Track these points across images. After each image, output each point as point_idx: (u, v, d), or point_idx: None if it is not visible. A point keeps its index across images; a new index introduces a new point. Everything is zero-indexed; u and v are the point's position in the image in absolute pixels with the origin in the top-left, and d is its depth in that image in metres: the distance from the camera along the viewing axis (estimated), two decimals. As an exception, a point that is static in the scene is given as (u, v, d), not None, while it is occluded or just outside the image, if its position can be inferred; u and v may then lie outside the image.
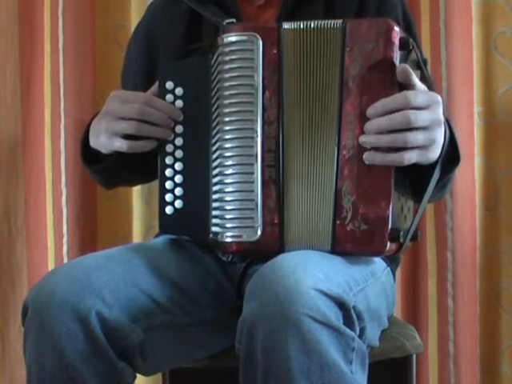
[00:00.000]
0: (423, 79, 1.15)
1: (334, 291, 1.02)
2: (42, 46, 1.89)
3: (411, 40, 1.12)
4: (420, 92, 1.09)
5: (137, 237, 1.91)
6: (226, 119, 1.16)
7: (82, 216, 1.92)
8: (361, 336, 1.07)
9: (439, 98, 1.10)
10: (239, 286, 1.25)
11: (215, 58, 1.18)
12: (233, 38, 1.16)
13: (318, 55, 1.14)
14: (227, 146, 1.16)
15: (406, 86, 1.09)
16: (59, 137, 1.90)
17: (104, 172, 1.34)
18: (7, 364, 1.92)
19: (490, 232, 1.86)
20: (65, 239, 1.91)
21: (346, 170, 1.12)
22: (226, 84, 1.16)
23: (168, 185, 1.22)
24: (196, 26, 1.37)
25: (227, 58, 1.16)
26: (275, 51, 1.15)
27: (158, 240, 1.34)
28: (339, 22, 1.13)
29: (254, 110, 1.15)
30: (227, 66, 1.16)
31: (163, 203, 1.22)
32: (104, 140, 1.23)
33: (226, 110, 1.16)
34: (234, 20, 1.22)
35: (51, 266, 1.89)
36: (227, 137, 1.16)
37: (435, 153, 1.11)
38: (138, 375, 1.18)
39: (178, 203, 1.22)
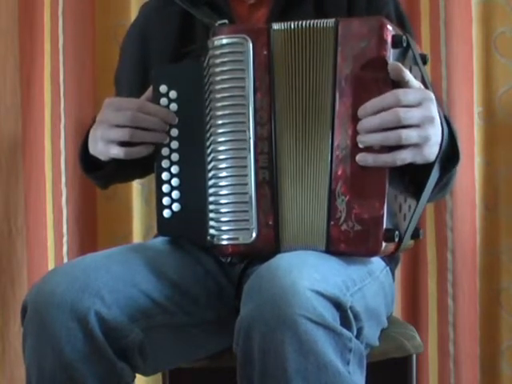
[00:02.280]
0: (422, 76, 1.15)
1: (330, 292, 1.02)
2: (41, 46, 1.89)
3: (405, 37, 1.11)
4: (411, 90, 1.08)
5: (137, 237, 1.91)
6: (219, 122, 1.16)
7: (81, 216, 1.92)
8: (358, 336, 1.07)
9: (431, 95, 1.09)
10: (238, 287, 1.25)
11: (207, 60, 1.18)
12: (223, 41, 1.16)
13: (309, 55, 1.14)
14: (220, 148, 1.16)
15: (400, 83, 1.09)
16: (59, 137, 1.91)
17: (104, 177, 1.34)
18: (7, 364, 1.92)
19: (490, 232, 1.86)
20: (65, 239, 1.91)
21: (340, 170, 1.11)
22: (218, 87, 1.16)
23: (165, 188, 1.22)
24: (189, 28, 1.37)
25: (218, 60, 1.16)
26: (265, 52, 1.15)
27: (157, 240, 1.34)
28: (331, 21, 1.13)
29: (246, 111, 1.15)
30: (218, 69, 1.16)
31: (161, 206, 1.22)
32: (101, 148, 1.24)
33: (219, 113, 1.16)
34: (226, 21, 1.22)
35: (51, 265, 1.90)
36: (220, 139, 1.16)
37: (431, 151, 1.10)
38: (138, 375, 1.19)
39: (176, 206, 1.22)
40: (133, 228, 1.91)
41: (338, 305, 1.03)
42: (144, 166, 1.29)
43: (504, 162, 1.86)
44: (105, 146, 1.23)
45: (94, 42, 1.93)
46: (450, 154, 1.16)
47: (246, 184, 1.16)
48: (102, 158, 1.26)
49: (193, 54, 1.27)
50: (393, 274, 1.40)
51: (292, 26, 1.15)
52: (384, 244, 1.10)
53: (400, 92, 1.07)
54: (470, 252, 1.85)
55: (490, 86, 1.85)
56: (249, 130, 1.15)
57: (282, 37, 1.15)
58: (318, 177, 1.14)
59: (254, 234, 1.16)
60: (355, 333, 1.06)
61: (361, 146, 1.09)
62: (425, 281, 1.87)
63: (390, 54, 1.10)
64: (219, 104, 1.16)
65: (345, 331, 1.02)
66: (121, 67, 1.49)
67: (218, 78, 1.16)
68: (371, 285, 1.19)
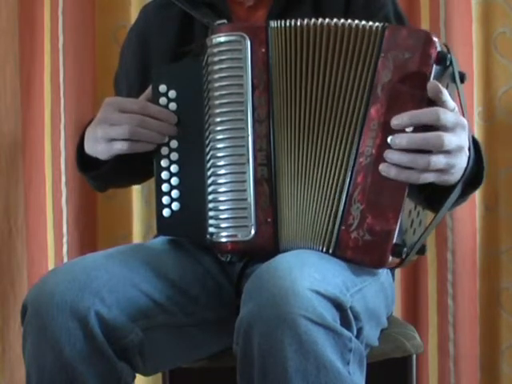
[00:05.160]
0: (458, 95, 1.13)
1: (330, 292, 1.02)
2: (41, 46, 1.89)
3: (449, 55, 1.09)
4: (450, 112, 1.06)
5: (137, 237, 1.91)
6: (217, 119, 1.16)
7: (82, 216, 1.92)
8: (358, 336, 1.07)
9: (465, 122, 1.08)
10: (237, 286, 1.25)
11: (205, 59, 1.18)
12: (221, 39, 1.16)
13: (318, 55, 1.14)
14: (219, 146, 1.16)
15: (436, 102, 1.07)
16: (59, 137, 1.91)
17: (100, 177, 1.34)
18: (7, 364, 1.92)
19: (490, 232, 1.86)
20: (65, 239, 1.91)
21: (360, 178, 1.10)
22: (216, 85, 1.16)
23: (164, 187, 1.22)
24: (188, 29, 1.38)
25: (216, 58, 1.16)
26: (263, 50, 1.15)
27: (157, 240, 1.34)
28: (379, 25, 1.11)
29: (244, 109, 1.15)
30: (217, 67, 1.16)
31: (160, 206, 1.22)
32: (103, 146, 1.23)
33: (217, 111, 1.16)
34: (226, 21, 1.22)
35: (51, 265, 1.90)
36: (219, 137, 1.16)
37: (454, 177, 1.08)
38: (138, 375, 1.19)
39: (175, 205, 1.22)
40: (133, 228, 1.91)
41: (338, 305, 1.03)
42: (142, 168, 1.29)
43: (504, 162, 1.86)
44: (107, 144, 1.22)
45: (94, 42, 1.93)
46: (473, 180, 1.15)
47: (245, 181, 1.16)
48: (103, 156, 1.26)
49: (192, 54, 1.27)
50: (393, 274, 1.40)
51: (297, 24, 1.15)
52: (390, 258, 1.09)
53: (440, 111, 1.05)
54: (469, 252, 1.85)
55: (490, 86, 1.85)
56: (247, 127, 1.15)
57: (282, 34, 1.15)
58: (324, 177, 1.13)
59: (252, 231, 1.15)
60: (355, 333, 1.06)
61: (388, 161, 1.07)
62: (425, 281, 1.87)
63: (432, 70, 1.08)
64: (217, 102, 1.16)
65: (345, 331, 1.02)
66: (121, 69, 1.49)
67: (216, 76, 1.17)
68: (371, 285, 1.19)
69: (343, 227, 1.11)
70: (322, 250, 1.13)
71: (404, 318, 1.80)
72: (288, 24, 1.16)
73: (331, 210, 1.13)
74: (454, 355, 1.85)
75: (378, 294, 1.23)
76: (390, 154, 1.07)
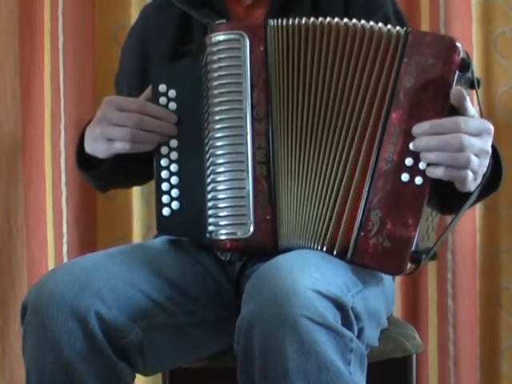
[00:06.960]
0: (475, 101, 1.13)
1: (331, 292, 1.02)
2: (42, 46, 1.89)
3: (472, 62, 1.08)
4: (471, 119, 1.06)
5: (137, 237, 1.91)
6: (217, 118, 1.17)
7: (82, 216, 1.92)
8: (359, 336, 1.07)
9: (491, 128, 1.08)
10: (237, 286, 1.25)
11: (205, 58, 1.18)
12: (220, 38, 1.17)
13: (328, 55, 1.14)
14: (218, 144, 1.17)
15: (458, 109, 1.06)
16: (59, 137, 1.91)
17: (99, 176, 1.33)
18: (7, 364, 1.92)
19: (490, 232, 1.86)
20: (65, 239, 1.91)
21: (380, 184, 1.09)
22: (215, 83, 1.17)
23: (164, 186, 1.22)
24: (187, 29, 1.38)
25: (215, 57, 1.17)
26: (262, 48, 1.16)
27: (157, 240, 1.34)
28: (401, 29, 1.11)
29: (243, 107, 1.16)
30: (216, 66, 1.17)
31: (160, 205, 1.22)
32: (102, 145, 1.23)
33: (216, 109, 1.17)
34: (225, 20, 1.23)
35: (51, 265, 1.90)
36: (218, 135, 1.17)
37: (475, 182, 1.08)
38: (138, 375, 1.19)
39: (175, 204, 1.22)
40: (133, 228, 1.91)
41: (339, 305, 1.03)
42: (142, 168, 1.29)
43: (504, 162, 1.86)
44: (106, 143, 1.22)
45: (94, 42, 1.93)
46: (490, 185, 1.15)
47: (244, 179, 1.16)
48: (102, 155, 1.25)
49: (192, 53, 1.27)
50: (393, 275, 1.39)
51: (300, 22, 1.15)
52: (409, 265, 1.09)
53: (461, 120, 1.05)
54: (469, 252, 1.85)
55: (489, 85, 1.85)
56: (246, 125, 1.16)
57: (281, 33, 1.16)
58: (324, 176, 1.13)
59: (251, 229, 1.15)
60: (356, 333, 1.06)
61: (425, 161, 1.06)
62: (425, 281, 1.87)
63: (455, 77, 1.07)
64: (216, 100, 1.17)
65: (346, 331, 1.02)
66: (121, 69, 1.49)
67: (216, 75, 1.17)
68: (372, 286, 1.19)
69: (362, 233, 1.10)
70: (317, 248, 1.13)
71: (404, 318, 1.80)
72: (289, 23, 1.16)
73: (333, 210, 1.13)
74: (454, 355, 1.85)
75: (378, 294, 1.23)
76: (427, 154, 1.06)
